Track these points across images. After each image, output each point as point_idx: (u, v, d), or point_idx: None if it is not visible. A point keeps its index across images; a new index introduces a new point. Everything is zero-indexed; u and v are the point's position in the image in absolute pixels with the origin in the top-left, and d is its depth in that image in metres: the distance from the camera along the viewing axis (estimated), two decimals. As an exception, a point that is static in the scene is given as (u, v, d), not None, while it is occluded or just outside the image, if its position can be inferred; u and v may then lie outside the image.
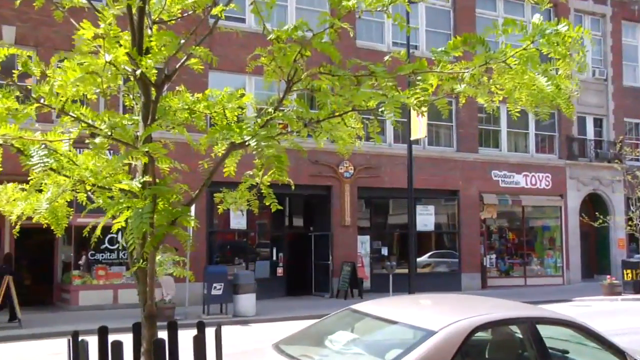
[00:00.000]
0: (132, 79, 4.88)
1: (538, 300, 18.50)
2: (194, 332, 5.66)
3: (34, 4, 4.72)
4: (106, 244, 17.96)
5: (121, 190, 4.53)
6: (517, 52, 4.23)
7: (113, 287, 17.98)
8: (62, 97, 4.42)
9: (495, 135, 25.35)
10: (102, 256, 18.08)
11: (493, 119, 24.83)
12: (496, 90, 4.59)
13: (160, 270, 5.39)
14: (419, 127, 18.75)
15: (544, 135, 26.41)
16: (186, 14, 5.09)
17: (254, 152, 4.27)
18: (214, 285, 16.23)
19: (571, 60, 4.32)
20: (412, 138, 18.97)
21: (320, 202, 22.16)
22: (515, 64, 4.24)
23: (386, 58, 4.84)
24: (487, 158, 24.61)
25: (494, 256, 25.23)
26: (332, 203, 21.57)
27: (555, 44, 4.11)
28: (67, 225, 5.01)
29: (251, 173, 5.29)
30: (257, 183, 5.28)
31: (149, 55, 4.41)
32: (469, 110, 23.68)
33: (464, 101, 4.97)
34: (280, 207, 5.20)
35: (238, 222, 19.97)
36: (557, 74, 4.31)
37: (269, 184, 5.20)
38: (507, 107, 4.94)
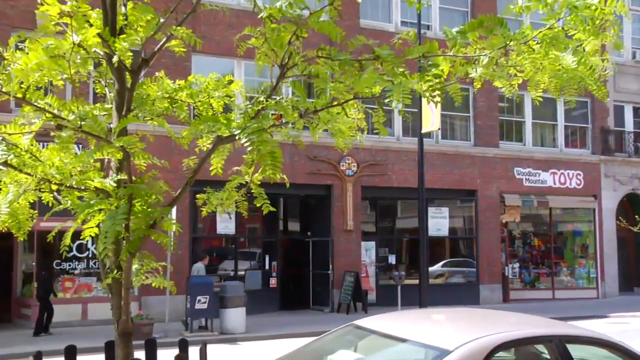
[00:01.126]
0: (104, 63, 4.89)
1: (568, 316, 18.52)
2: (176, 351, 5.68)
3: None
4: (74, 252, 17.94)
5: (92, 189, 4.54)
6: (539, 33, 4.24)
7: (82, 301, 17.98)
8: (23, 83, 4.43)
9: (519, 127, 25.37)
10: (70, 265, 18.07)
11: (516, 108, 24.84)
12: (515, 71, 4.59)
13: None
14: (432, 118, 18.74)
15: (574, 127, 26.42)
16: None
17: (244, 147, 4.28)
18: (198, 298, 16.24)
19: (604, 36, 4.32)
20: (423, 131, 18.96)
21: (319, 203, 22.19)
22: (536, 46, 4.25)
23: (393, 40, 4.86)
24: (509, 153, 24.62)
25: (517, 265, 25.25)
26: (332, 204, 21.59)
27: (584, 21, 4.12)
28: (30, 230, 5.02)
29: (239, 169, 5.31)
30: (246, 182, 5.29)
31: (124, 36, 4.42)
32: (488, 99, 23.71)
33: (479, 85, 4.98)
34: (273, 209, 5.21)
35: (225, 226, 19.98)
36: (585, 51, 4.31)
37: (260, 182, 5.21)
38: (529, 92, 4.95)
